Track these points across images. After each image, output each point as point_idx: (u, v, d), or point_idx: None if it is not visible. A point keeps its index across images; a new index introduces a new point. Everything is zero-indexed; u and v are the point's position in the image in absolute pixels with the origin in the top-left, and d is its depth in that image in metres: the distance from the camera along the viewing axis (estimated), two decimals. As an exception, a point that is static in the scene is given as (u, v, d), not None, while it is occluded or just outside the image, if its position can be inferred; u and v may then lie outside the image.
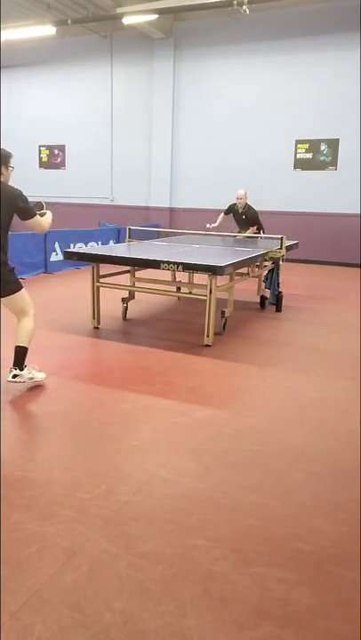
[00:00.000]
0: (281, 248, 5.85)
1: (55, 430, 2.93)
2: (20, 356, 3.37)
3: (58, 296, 6.81)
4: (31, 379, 3.44)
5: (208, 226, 7.52)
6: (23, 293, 3.38)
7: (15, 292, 3.32)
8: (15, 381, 3.36)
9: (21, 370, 3.37)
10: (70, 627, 1.58)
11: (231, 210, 7.55)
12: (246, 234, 7.37)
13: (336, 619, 1.65)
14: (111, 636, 1.55)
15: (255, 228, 7.46)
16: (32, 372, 3.46)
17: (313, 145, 10.85)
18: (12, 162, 3.31)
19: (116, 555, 1.90)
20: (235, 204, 7.48)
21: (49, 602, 1.67)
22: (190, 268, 4.58)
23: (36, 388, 3.52)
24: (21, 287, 3.37)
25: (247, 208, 7.42)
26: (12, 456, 2.60)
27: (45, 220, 3.42)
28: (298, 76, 10.68)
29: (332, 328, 5.49)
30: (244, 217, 7.46)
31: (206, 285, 4.60)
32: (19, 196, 3.22)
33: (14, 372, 3.35)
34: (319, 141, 10.78)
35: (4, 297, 3.30)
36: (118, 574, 1.80)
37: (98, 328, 5.13)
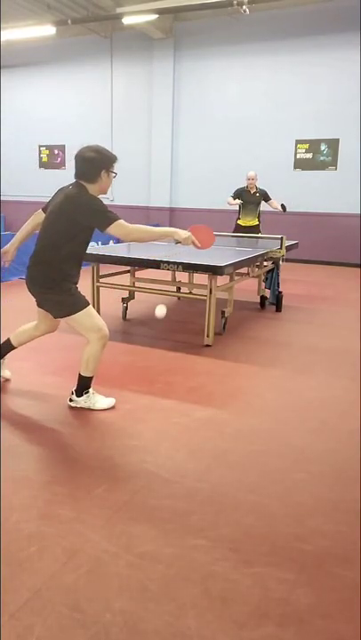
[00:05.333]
0: (281, 248, 5.85)
1: (55, 430, 2.93)
2: (81, 383, 3.18)
3: (58, 296, 6.78)
4: (89, 407, 3.18)
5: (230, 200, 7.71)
6: (82, 316, 3.05)
7: (71, 315, 3.04)
8: (71, 405, 3.21)
9: (78, 396, 3.19)
10: (70, 627, 1.58)
11: (241, 193, 7.71)
12: (275, 205, 7.60)
13: (336, 619, 1.65)
14: (111, 636, 1.55)
15: (273, 202, 7.68)
16: (90, 400, 3.19)
17: (313, 145, 10.84)
18: (116, 167, 2.99)
19: (116, 555, 1.90)
20: (243, 187, 7.68)
21: (49, 602, 1.67)
22: (190, 267, 4.59)
23: (35, 387, 3.52)
24: (81, 308, 3.05)
25: (258, 189, 7.69)
26: (11, 456, 2.60)
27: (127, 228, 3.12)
28: (298, 75, 10.67)
29: (332, 328, 5.48)
30: (258, 194, 7.66)
31: (206, 285, 4.60)
32: (81, 204, 2.99)
33: (71, 396, 3.22)
34: (319, 141, 10.77)
35: (60, 317, 3.12)
36: (118, 574, 1.80)
37: (98, 328, 5.13)
